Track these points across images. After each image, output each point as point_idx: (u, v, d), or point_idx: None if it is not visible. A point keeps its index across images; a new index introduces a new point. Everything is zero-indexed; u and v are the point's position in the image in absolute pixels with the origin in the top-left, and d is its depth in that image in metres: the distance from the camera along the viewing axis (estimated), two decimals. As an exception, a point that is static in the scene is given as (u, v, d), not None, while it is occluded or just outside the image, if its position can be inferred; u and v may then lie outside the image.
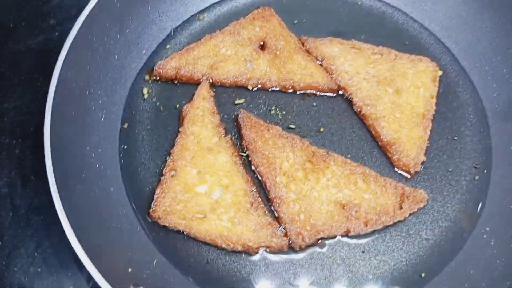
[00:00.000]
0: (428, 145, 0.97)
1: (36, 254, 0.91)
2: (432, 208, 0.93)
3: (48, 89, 1.03)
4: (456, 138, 0.99)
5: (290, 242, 0.87)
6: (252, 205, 0.89)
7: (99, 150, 0.93)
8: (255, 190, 0.91)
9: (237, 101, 1.02)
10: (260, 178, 0.94)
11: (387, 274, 0.87)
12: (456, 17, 1.08)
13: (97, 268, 0.74)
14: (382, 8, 1.13)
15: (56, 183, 0.79)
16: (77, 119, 0.91)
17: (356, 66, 1.02)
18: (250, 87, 1.03)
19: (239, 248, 0.86)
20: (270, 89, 1.03)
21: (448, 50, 1.08)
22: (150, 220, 0.90)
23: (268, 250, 0.87)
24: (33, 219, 0.94)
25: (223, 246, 0.87)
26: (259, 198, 0.90)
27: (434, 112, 0.99)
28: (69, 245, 0.89)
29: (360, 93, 0.99)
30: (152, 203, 0.90)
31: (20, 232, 0.93)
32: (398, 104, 0.98)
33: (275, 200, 0.90)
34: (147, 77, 1.04)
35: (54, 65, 0.90)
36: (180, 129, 0.97)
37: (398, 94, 0.99)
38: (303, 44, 1.07)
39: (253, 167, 0.94)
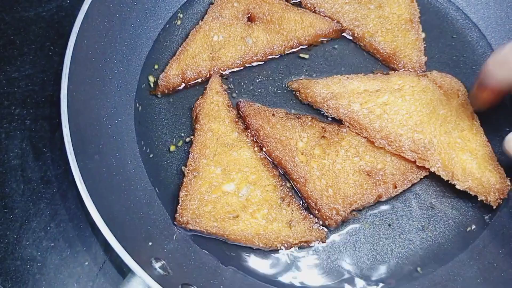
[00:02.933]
0: (425, 45, 1.00)
1: (49, 228, 0.88)
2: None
3: (60, 58, 1.01)
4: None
5: (326, 220, 0.85)
6: (283, 200, 0.85)
7: (116, 121, 0.90)
8: (284, 184, 0.88)
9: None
10: (277, 164, 0.90)
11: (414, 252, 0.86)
12: (484, -8, 1.05)
13: (117, 238, 0.71)
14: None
15: (74, 152, 0.75)
16: (93, 88, 0.87)
17: None
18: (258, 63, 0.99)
19: (278, 246, 0.83)
20: (278, 56, 1.00)
21: (475, 26, 1.05)
22: (177, 225, 0.84)
23: (307, 245, 0.84)
24: (46, 192, 0.90)
25: (261, 245, 0.82)
26: (289, 192, 0.87)
27: (419, 14, 1.03)
28: (84, 218, 0.88)
29: (347, 17, 1.02)
30: (178, 207, 0.84)
31: (31, 205, 0.89)
32: (385, 17, 1.02)
33: (299, 180, 0.87)
34: (154, 93, 0.97)
35: (66, 33, 0.85)
36: (196, 126, 0.91)
37: (381, 8, 1.03)
38: None
39: (265, 154, 0.90)
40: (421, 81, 0.94)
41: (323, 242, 0.85)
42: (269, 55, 0.99)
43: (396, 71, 0.98)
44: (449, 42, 1.03)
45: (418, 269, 0.84)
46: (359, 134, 0.90)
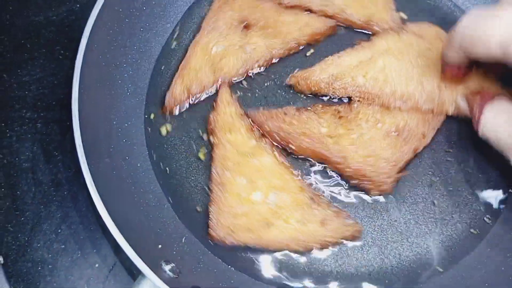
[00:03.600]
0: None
1: (59, 230, 0.89)
2: (466, 191, 0.90)
3: (70, 61, 1.02)
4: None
5: (381, 186, 0.87)
6: (313, 199, 0.85)
7: (126, 125, 0.91)
8: (310, 184, 0.88)
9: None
10: (310, 156, 0.90)
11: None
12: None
13: (127, 240, 0.72)
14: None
15: (85, 155, 0.76)
16: (104, 91, 0.89)
17: None
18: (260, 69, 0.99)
19: (317, 247, 0.83)
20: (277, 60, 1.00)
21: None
22: (212, 243, 0.85)
23: (343, 241, 0.85)
24: (57, 194, 0.91)
25: (300, 249, 0.83)
26: (317, 191, 0.87)
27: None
28: (95, 220, 0.89)
29: (314, 1, 1.02)
30: (210, 222, 0.84)
31: (42, 208, 0.90)
32: None
33: (338, 160, 0.88)
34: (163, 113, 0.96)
35: (76, 37, 0.87)
36: (214, 141, 0.91)
37: None
38: None
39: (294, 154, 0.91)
40: (402, 37, 0.97)
41: (358, 237, 0.85)
42: (270, 60, 0.99)
43: (376, 35, 1.00)
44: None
45: (425, 273, 0.85)
46: (371, 104, 0.92)
